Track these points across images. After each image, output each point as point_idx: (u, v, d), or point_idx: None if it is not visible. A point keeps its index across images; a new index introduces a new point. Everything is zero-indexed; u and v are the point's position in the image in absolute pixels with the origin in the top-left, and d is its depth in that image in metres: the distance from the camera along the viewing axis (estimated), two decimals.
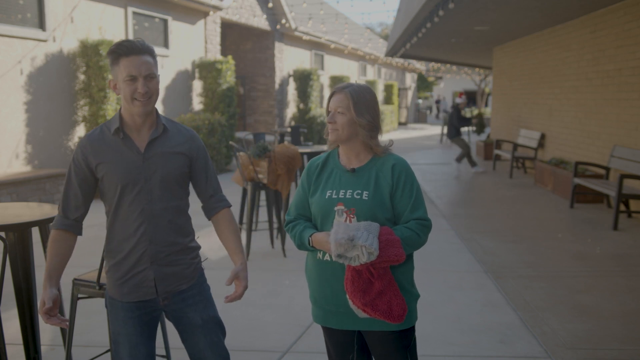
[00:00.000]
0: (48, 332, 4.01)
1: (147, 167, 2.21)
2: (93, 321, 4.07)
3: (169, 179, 2.24)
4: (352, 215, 2.18)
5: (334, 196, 2.22)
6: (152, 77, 2.17)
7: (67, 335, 3.15)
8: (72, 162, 2.22)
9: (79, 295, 3.00)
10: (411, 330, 2.28)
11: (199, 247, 2.40)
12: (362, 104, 2.22)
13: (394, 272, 2.20)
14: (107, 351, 3.12)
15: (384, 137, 2.37)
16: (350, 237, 2.03)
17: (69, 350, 3.09)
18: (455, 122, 12.89)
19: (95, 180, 2.23)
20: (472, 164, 12.77)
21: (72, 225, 2.24)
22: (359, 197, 2.19)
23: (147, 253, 2.22)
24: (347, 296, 2.16)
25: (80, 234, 2.28)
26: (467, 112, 27.57)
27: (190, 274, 2.34)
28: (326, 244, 2.13)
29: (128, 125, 2.23)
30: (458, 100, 13.18)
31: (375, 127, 2.25)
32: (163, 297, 2.27)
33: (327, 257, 2.23)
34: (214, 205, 2.38)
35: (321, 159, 2.37)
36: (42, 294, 2.19)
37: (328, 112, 2.28)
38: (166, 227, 2.24)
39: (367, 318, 2.20)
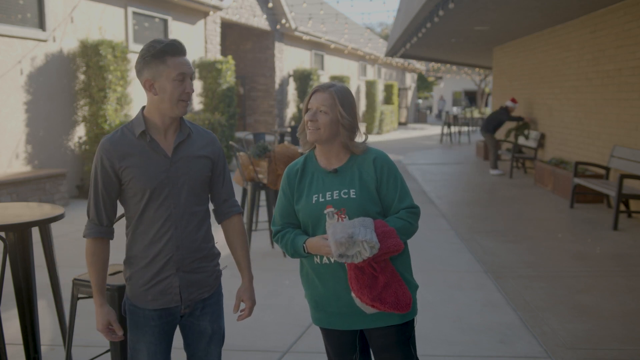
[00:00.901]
0: (48, 332, 4.01)
1: (174, 171, 2.17)
2: (93, 321, 4.05)
3: (195, 184, 2.21)
4: (343, 216, 2.17)
5: (321, 199, 2.20)
6: (193, 79, 2.19)
7: (67, 335, 3.15)
8: (96, 167, 2.16)
9: (79, 295, 3.00)
10: (411, 322, 2.29)
11: (219, 254, 2.38)
12: (347, 105, 2.22)
13: (394, 264, 2.21)
14: (107, 351, 3.12)
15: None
16: (349, 235, 2.02)
17: (69, 350, 3.09)
18: (505, 118, 12.58)
19: (120, 185, 2.17)
20: (494, 165, 12.59)
21: (107, 232, 2.21)
22: (346, 196, 2.18)
23: (173, 259, 2.18)
24: (353, 295, 2.14)
25: (113, 238, 2.25)
26: (468, 112, 27.56)
27: (213, 281, 2.32)
28: (324, 248, 2.11)
29: (154, 128, 2.17)
30: (509, 103, 12.80)
31: (355, 127, 2.25)
32: (186, 305, 2.24)
33: (325, 261, 2.21)
34: (227, 210, 2.37)
35: (299, 163, 2.33)
36: (100, 313, 2.20)
37: (307, 109, 2.24)
38: (192, 232, 2.21)
39: (371, 315, 2.20)
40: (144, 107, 2.20)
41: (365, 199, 2.18)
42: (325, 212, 2.19)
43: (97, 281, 2.19)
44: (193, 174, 2.21)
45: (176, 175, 2.17)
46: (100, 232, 2.19)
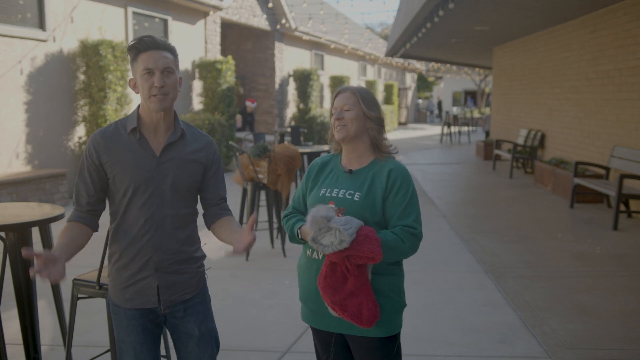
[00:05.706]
0: (48, 332, 4.01)
1: (160, 171, 2.14)
2: (93, 321, 4.07)
3: (181, 186, 2.18)
4: (340, 215, 2.16)
5: (327, 194, 2.23)
6: (169, 72, 2.11)
7: (67, 335, 3.15)
8: (84, 156, 2.15)
9: (79, 295, 3.00)
10: (393, 339, 2.23)
11: (204, 256, 2.34)
12: (369, 100, 2.27)
13: (378, 280, 2.16)
14: (107, 351, 3.12)
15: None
16: (327, 218, 2.00)
17: (69, 350, 3.09)
18: None
19: (107, 179, 2.15)
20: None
21: (86, 218, 2.16)
22: (350, 197, 2.19)
23: (152, 260, 2.15)
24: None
25: (96, 229, 2.20)
26: (467, 112, 27.56)
27: (196, 283, 2.28)
28: (306, 229, 2.13)
29: (145, 126, 2.15)
30: None
31: (382, 122, 2.28)
32: (165, 306, 2.21)
33: (315, 255, 2.22)
34: (217, 212, 2.31)
35: (324, 159, 2.39)
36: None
37: (332, 113, 2.27)
38: (173, 234, 2.18)
39: (348, 321, 2.16)
40: (139, 105, 2.19)
41: (366, 206, 2.17)
42: None
43: (55, 246, 2.04)
44: (180, 176, 2.17)
45: (162, 176, 2.14)
46: (78, 217, 2.15)
